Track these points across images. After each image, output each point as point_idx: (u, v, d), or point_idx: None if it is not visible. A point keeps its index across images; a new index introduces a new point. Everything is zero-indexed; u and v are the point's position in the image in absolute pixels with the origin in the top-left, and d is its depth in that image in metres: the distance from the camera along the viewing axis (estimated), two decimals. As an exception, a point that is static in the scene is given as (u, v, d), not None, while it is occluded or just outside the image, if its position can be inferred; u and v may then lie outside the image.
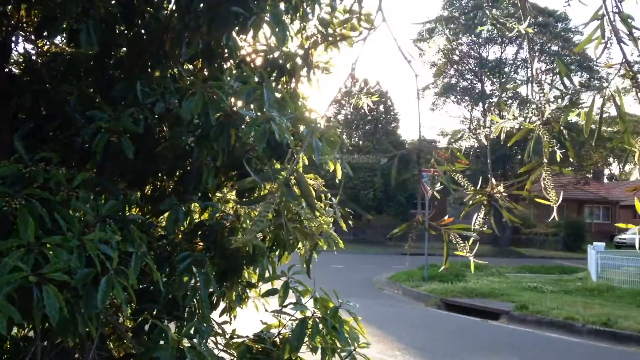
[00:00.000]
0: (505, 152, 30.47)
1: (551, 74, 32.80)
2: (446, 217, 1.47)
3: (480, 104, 33.68)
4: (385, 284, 17.11)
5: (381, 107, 33.62)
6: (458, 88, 33.70)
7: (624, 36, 1.56)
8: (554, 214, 1.31)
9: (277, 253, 3.02)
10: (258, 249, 2.70)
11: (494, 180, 1.39)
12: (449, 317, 12.30)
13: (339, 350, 2.27)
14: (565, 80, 1.54)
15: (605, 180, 60.56)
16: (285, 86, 3.14)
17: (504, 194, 1.39)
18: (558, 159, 1.21)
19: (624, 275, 15.90)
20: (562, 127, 1.18)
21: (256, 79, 2.26)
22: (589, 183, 39.37)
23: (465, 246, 1.49)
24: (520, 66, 33.85)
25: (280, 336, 2.39)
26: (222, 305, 2.93)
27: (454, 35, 31.35)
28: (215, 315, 2.82)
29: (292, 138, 2.18)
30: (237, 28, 2.35)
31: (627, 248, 29.64)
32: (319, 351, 2.25)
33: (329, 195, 3.09)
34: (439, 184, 1.60)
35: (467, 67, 33.99)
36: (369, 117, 33.06)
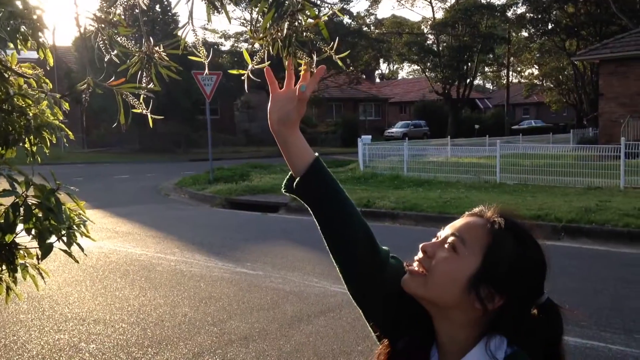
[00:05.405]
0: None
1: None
2: (112, 79, 1.56)
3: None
4: (172, 190, 17.09)
5: (157, 8, 31.68)
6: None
7: None
8: (206, 70, 1.46)
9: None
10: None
11: (152, 40, 1.49)
12: (231, 215, 12.86)
13: (62, 232, 2.29)
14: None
15: (377, 80, 66.20)
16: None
17: (162, 53, 1.50)
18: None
19: (386, 164, 18.05)
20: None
21: None
22: (361, 82, 42.62)
23: (140, 103, 1.60)
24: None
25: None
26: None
27: None
28: None
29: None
30: None
31: (394, 140, 33.44)
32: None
33: (49, 84, 2.97)
34: (114, 51, 1.67)
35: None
36: (145, 18, 31.08)
